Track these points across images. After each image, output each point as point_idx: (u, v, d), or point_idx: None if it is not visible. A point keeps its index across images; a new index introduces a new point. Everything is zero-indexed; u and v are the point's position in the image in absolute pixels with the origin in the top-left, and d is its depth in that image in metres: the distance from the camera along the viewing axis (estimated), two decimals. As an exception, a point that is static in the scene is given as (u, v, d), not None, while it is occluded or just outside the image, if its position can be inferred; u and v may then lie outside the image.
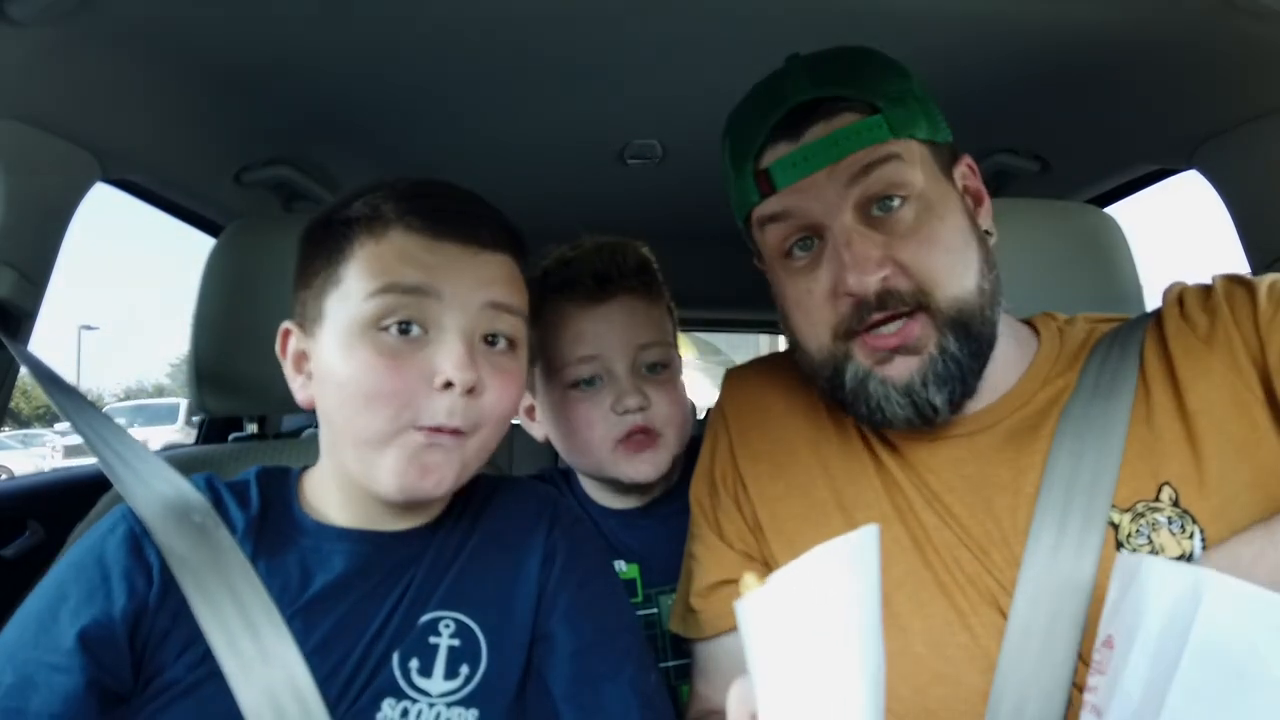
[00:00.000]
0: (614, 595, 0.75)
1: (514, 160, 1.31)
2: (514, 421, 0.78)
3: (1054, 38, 0.91)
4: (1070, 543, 0.60)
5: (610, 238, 0.97)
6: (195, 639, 0.61)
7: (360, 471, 0.66)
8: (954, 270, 0.64)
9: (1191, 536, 0.59)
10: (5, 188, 0.84)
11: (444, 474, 0.65)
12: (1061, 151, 1.24)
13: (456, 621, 0.66)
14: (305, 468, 0.74)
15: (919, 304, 0.63)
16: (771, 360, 0.84)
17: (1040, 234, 0.93)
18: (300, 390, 0.70)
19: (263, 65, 0.94)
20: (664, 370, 0.95)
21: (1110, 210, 1.24)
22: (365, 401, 0.63)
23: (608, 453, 0.92)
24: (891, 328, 0.64)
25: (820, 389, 0.71)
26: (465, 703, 0.63)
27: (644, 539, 0.96)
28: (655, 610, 0.95)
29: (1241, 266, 1.03)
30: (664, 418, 0.92)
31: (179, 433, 12.40)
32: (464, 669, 0.65)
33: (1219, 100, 0.96)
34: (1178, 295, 0.68)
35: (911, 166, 0.64)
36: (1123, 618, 0.49)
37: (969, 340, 0.64)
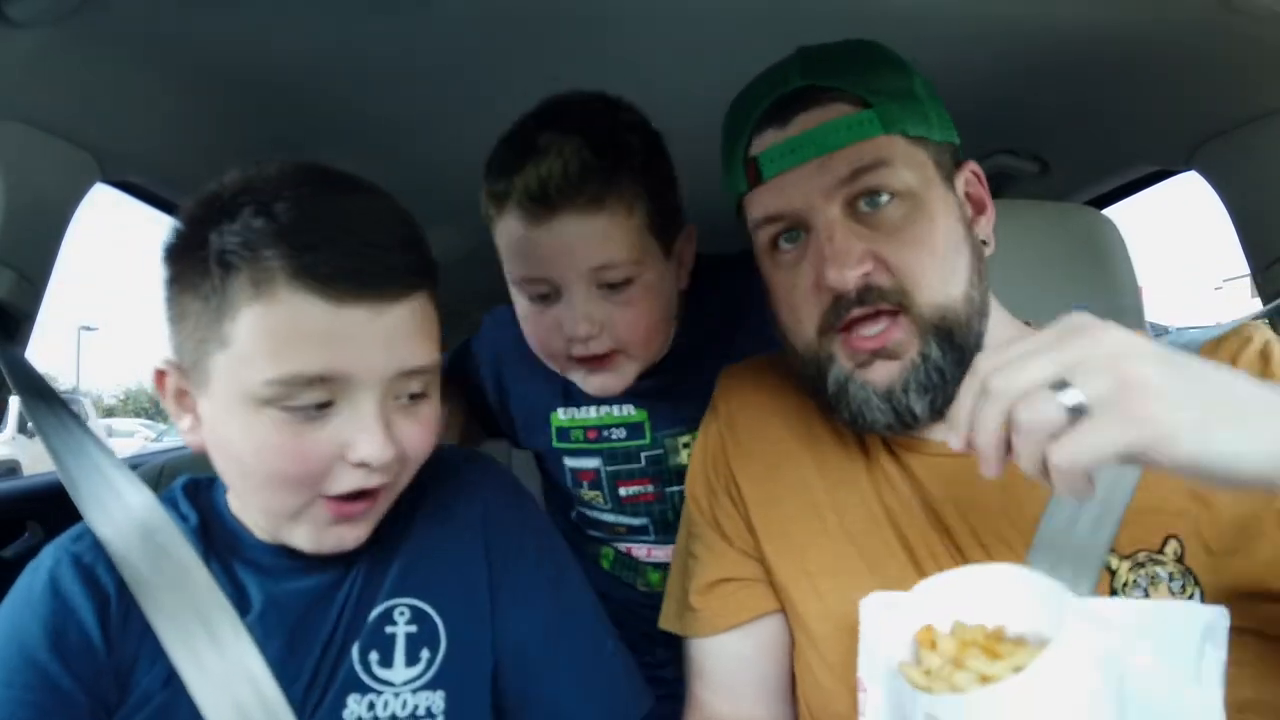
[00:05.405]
0: (563, 569, 0.75)
1: (514, 161, 1.30)
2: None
3: (1053, 38, 0.91)
4: (1063, 581, 0.59)
5: (565, 99, 0.84)
6: (162, 654, 0.60)
7: (272, 530, 0.64)
8: (939, 274, 0.62)
9: (1191, 596, 0.57)
10: (5, 188, 0.84)
11: (362, 531, 0.63)
12: (1061, 152, 1.24)
13: (411, 608, 0.66)
14: None
15: (900, 304, 0.62)
16: (767, 360, 0.83)
17: (1037, 236, 0.93)
18: (189, 433, 0.62)
19: (263, 66, 0.93)
20: (628, 288, 0.83)
21: (1108, 212, 1.24)
22: (266, 481, 0.58)
23: (564, 363, 0.89)
24: (872, 330, 0.62)
25: (805, 389, 0.70)
26: (430, 686, 0.64)
27: (653, 388, 0.95)
28: (661, 450, 1.00)
29: (1241, 267, 1.03)
30: (624, 339, 0.85)
31: (6, 444, 7.84)
32: (424, 653, 0.65)
33: (1219, 100, 0.95)
34: (1260, 350, 0.61)
35: (902, 167, 0.63)
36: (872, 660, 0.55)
37: (953, 349, 0.62)
